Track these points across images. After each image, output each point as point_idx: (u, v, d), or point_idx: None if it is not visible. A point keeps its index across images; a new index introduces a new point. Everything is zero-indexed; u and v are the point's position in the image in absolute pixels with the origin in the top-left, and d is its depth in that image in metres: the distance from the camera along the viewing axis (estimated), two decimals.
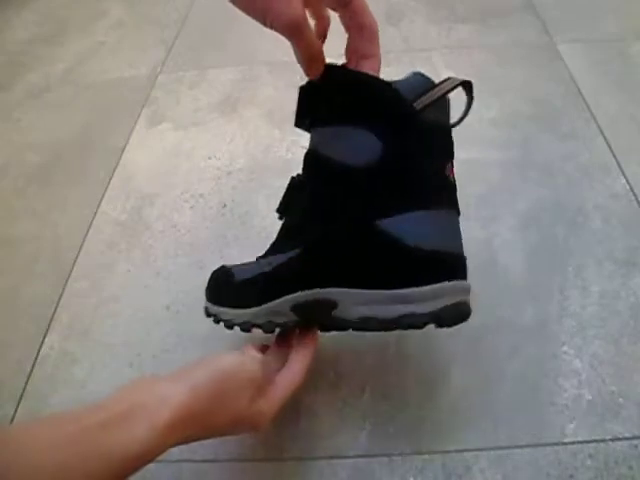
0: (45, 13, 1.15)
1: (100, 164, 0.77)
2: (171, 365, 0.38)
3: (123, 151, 0.79)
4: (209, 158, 0.76)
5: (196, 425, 0.36)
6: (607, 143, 0.70)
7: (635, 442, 0.44)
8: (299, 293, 0.42)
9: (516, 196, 0.65)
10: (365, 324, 0.40)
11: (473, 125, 0.75)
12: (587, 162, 0.68)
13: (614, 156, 0.68)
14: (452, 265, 0.41)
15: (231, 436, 0.42)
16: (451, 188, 0.42)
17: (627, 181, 0.65)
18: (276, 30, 0.37)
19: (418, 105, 0.39)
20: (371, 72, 0.40)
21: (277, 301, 0.43)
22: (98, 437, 0.32)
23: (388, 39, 0.94)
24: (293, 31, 0.37)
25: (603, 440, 0.45)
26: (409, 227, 0.39)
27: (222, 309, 0.47)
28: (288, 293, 0.42)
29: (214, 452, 0.47)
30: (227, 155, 0.76)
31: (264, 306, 0.44)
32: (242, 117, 0.82)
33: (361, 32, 0.40)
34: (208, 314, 0.49)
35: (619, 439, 0.45)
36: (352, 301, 0.40)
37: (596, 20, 0.92)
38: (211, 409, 0.36)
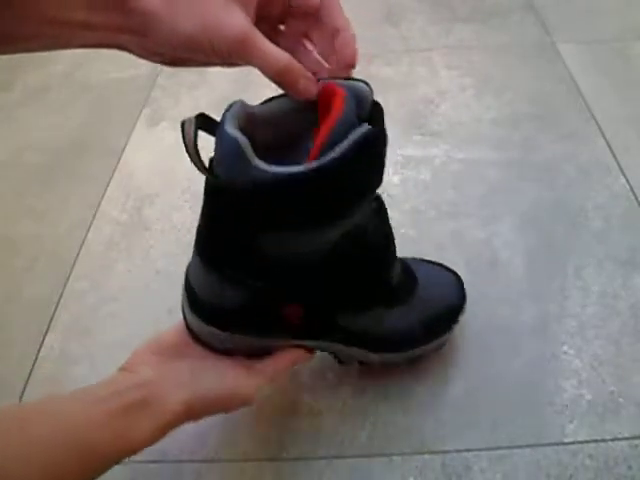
0: None
1: (100, 164, 0.77)
2: None
3: (123, 151, 0.79)
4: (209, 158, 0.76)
5: (189, 421, 0.39)
6: (607, 143, 0.70)
7: (635, 442, 0.44)
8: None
9: (516, 196, 0.65)
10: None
11: (473, 125, 0.75)
12: (587, 162, 0.68)
13: (614, 156, 0.68)
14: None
15: (232, 436, 0.44)
16: None
17: (627, 181, 0.65)
18: (223, 56, 0.33)
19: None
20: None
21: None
22: (120, 423, 0.34)
23: (388, 39, 0.94)
24: (241, 46, 0.32)
25: (603, 440, 0.45)
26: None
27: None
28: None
29: (215, 452, 0.47)
30: None
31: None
32: None
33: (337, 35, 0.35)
34: None
35: (619, 439, 0.45)
36: None
37: (596, 20, 0.92)
38: (209, 413, 0.40)
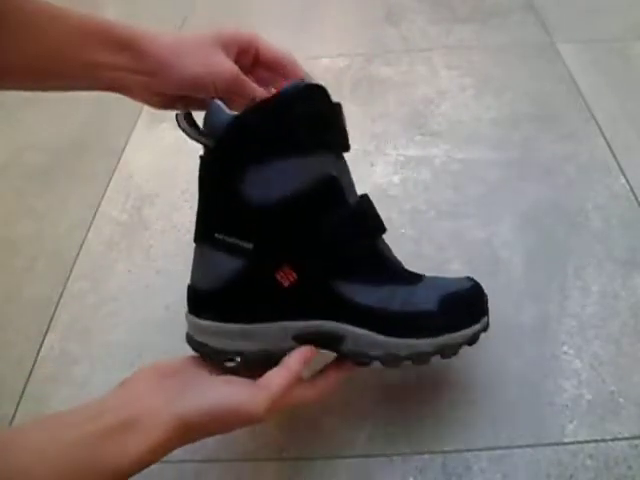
0: None
1: (100, 164, 0.77)
2: None
3: (123, 151, 0.79)
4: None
5: (187, 441, 0.37)
6: (607, 143, 0.70)
7: (635, 442, 0.44)
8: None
9: (516, 196, 0.65)
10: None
11: (473, 125, 0.75)
12: (587, 162, 0.68)
13: (614, 156, 0.68)
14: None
15: (232, 436, 0.42)
16: None
17: (627, 181, 0.65)
18: (222, 92, 0.40)
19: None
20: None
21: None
22: (96, 447, 0.32)
23: (388, 39, 0.94)
24: (235, 83, 0.40)
25: (603, 440, 0.45)
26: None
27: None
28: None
29: (215, 452, 0.47)
30: None
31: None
32: None
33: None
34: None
35: (619, 439, 0.45)
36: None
37: (596, 20, 0.92)
38: (208, 430, 0.38)
